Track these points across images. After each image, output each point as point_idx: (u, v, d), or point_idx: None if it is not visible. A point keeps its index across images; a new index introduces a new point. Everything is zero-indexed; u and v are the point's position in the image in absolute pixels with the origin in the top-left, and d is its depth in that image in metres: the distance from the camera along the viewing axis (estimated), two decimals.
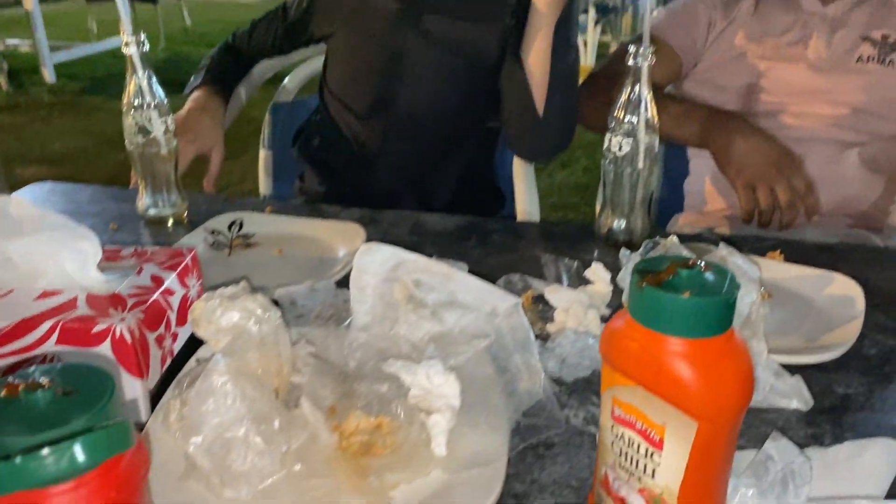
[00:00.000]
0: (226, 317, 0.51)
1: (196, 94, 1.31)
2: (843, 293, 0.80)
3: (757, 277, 0.66)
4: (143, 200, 1.02)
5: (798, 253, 0.91)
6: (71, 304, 0.61)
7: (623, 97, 0.88)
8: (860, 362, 0.71)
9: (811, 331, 0.75)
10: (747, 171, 1.09)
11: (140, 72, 0.94)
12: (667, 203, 1.51)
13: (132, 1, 5.63)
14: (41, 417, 0.31)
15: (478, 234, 1.01)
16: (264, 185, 1.63)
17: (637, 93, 0.87)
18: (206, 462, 0.47)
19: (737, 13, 1.30)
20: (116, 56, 5.69)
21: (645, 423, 0.44)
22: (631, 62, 0.87)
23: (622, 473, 0.47)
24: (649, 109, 0.88)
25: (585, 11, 4.52)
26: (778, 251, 0.90)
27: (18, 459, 0.28)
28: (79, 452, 0.29)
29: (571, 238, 0.99)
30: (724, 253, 0.69)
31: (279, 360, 0.53)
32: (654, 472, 0.45)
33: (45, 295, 0.62)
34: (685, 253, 0.73)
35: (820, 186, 1.22)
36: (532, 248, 0.96)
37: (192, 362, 0.63)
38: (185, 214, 1.04)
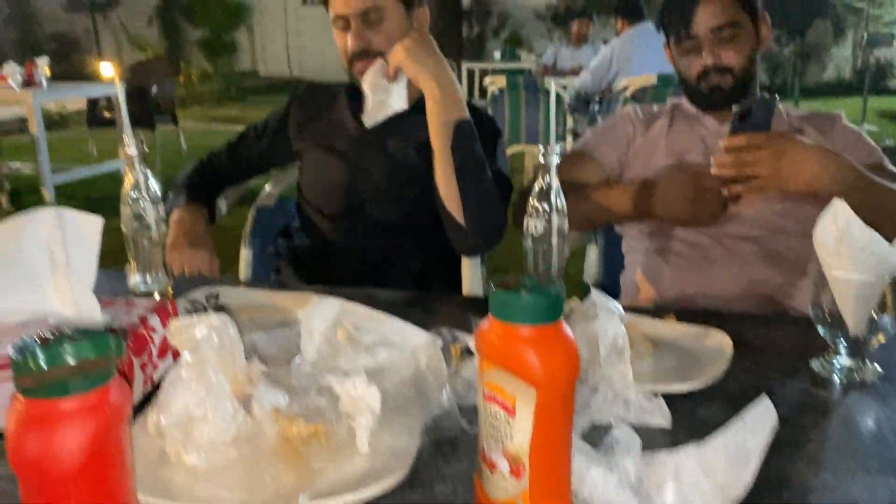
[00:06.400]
0: (195, 329, 0.66)
1: (180, 211, 1.50)
2: (716, 344, 0.96)
3: (618, 313, 0.82)
4: (134, 278, 1.18)
5: (691, 318, 1.07)
6: None
7: (536, 187, 1.07)
8: (723, 395, 0.87)
9: (687, 371, 0.91)
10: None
11: (138, 168, 1.13)
12: (608, 294, 1.69)
13: (134, 128, 5.98)
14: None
15: (424, 304, 1.17)
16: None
17: (548, 182, 1.06)
18: (174, 433, 0.60)
19: (653, 131, 1.53)
20: (113, 178, 6.01)
21: (503, 396, 0.59)
22: (541, 159, 1.06)
23: (492, 442, 0.61)
24: (559, 196, 1.06)
25: (564, 138, 5.14)
26: (672, 313, 1.07)
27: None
28: (88, 348, 0.45)
29: None
30: (594, 296, 0.86)
31: (234, 367, 0.68)
32: (511, 435, 0.59)
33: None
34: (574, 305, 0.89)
35: (727, 274, 1.40)
36: (469, 315, 1.11)
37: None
38: (170, 290, 1.19)
